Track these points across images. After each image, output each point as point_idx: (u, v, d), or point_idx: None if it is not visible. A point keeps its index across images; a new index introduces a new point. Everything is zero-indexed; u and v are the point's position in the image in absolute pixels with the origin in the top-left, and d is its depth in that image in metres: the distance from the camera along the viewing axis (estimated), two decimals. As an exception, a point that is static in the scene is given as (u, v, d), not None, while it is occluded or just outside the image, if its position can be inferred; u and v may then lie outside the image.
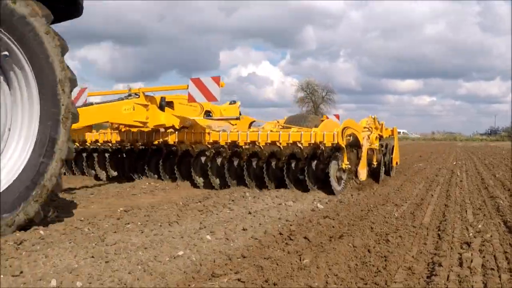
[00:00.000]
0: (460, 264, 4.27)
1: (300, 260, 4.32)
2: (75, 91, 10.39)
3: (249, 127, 11.75)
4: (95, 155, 11.75)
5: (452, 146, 44.00)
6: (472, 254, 4.56)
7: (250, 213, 6.68)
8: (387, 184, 10.69)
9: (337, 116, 15.27)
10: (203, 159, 9.99)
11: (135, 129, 10.66)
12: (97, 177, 11.41)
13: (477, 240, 5.19)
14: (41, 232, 5.32)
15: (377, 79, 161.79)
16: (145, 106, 9.62)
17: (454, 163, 18.84)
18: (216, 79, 9.07)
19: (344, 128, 9.09)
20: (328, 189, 8.78)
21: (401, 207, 7.40)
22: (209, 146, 10.05)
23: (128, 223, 5.87)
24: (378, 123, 12.06)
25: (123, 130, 11.04)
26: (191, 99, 9.39)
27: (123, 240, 4.92)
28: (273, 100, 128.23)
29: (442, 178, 12.21)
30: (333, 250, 4.59)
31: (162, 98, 10.15)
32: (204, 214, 6.59)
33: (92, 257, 4.33)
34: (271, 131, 9.82)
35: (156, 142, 10.69)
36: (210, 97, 9.18)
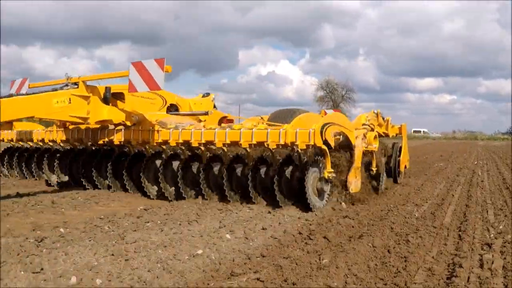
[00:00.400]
0: (481, 266, 4.22)
1: (320, 259, 4.31)
2: (17, 82, 8.99)
3: (219, 124, 9.76)
4: (47, 156, 10.39)
5: (473, 145, 43.57)
6: (493, 256, 4.51)
7: (269, 212, 6.68)
8: (393, 193, 9.77)
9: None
10: (158, 162, 8.39)
11: (83, 126, 8.93)
12: (48, 182, 10.03)
13: (498, 241, 5.14)
14: (61, 230, 5.40)
15: (396, 78, 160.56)
16: (86, 98, 8.00)
17: (475, 162, 18.65)
18: (160, 62, 7.35)
19: (325, 125, 7.09)
20: (306, 204, 6.93)
21: (421, 207, 7.34)
22: (164, 147, 8.44)
23: (148, 222, 5.92)
24: (383, 119, 10.49)
25: (70, 127, 9.30)
26: (131, 88, 7.64)
27: (143, 239, 4.96)
28: (293, 99, 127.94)
29: (463, 178, 12.10)
30: (352, 250, 4.57)
31: (107, 89, 8.39)
32: (223, 213, 6.60)
33: (112, 255, 4.38)
34: (231, 128, 7.60)
35: (101, 142, 8.91)
36: (152, 84, 7.43)
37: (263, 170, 7.60)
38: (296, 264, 4.16)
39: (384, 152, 10.05)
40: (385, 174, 9.54)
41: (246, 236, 5.25)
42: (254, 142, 7.16)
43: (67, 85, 7.96)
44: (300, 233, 5.48)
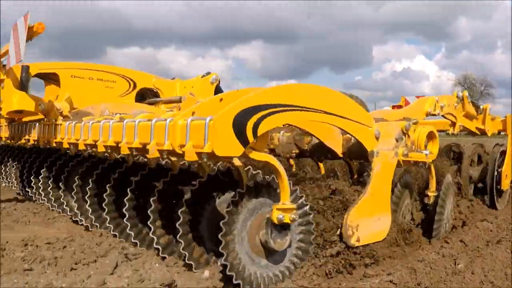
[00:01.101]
0: None
1: (455, 264, 4.28)
2: None
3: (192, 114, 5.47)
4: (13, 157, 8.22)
5: None
6: None
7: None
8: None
9: None
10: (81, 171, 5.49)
11: (26, 119, 6.50)
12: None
13: None
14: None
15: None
16: None
17: None
18: (25, 19, 5.11)
19: (253, 111, 3.10)
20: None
21: None
22: (92, 150, 4.95)
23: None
24: (478, 107, 7.12)
25: (24, 119, 6.65)
26: (8, 62, 5.57)
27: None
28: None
29: None
30: (489, 255, 4.48)
31: (23, 68, 5.99)
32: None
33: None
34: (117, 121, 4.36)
35: (23, 142, 6.65)
36: (17, 54, 5.26)
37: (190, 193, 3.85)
38: (431, 268, 4.16)
39: (445, 161, 6.71)
40: (451, 202, 5.43)
41: (380, 237, 5.28)
42: (136, 145, 3.78)
43: None
44: (435, 235, 5.43)
